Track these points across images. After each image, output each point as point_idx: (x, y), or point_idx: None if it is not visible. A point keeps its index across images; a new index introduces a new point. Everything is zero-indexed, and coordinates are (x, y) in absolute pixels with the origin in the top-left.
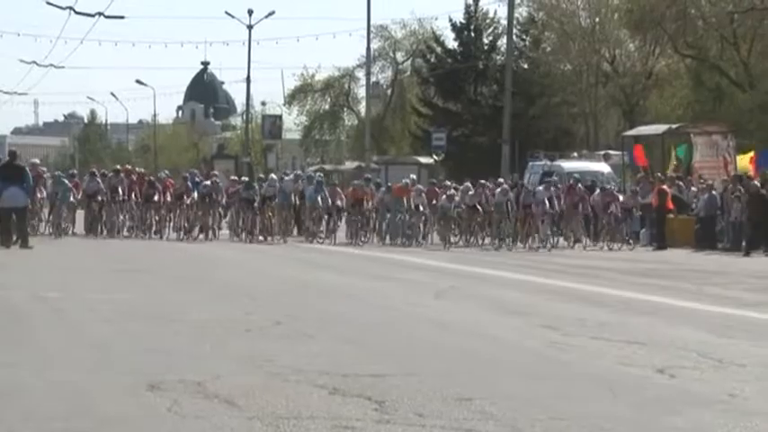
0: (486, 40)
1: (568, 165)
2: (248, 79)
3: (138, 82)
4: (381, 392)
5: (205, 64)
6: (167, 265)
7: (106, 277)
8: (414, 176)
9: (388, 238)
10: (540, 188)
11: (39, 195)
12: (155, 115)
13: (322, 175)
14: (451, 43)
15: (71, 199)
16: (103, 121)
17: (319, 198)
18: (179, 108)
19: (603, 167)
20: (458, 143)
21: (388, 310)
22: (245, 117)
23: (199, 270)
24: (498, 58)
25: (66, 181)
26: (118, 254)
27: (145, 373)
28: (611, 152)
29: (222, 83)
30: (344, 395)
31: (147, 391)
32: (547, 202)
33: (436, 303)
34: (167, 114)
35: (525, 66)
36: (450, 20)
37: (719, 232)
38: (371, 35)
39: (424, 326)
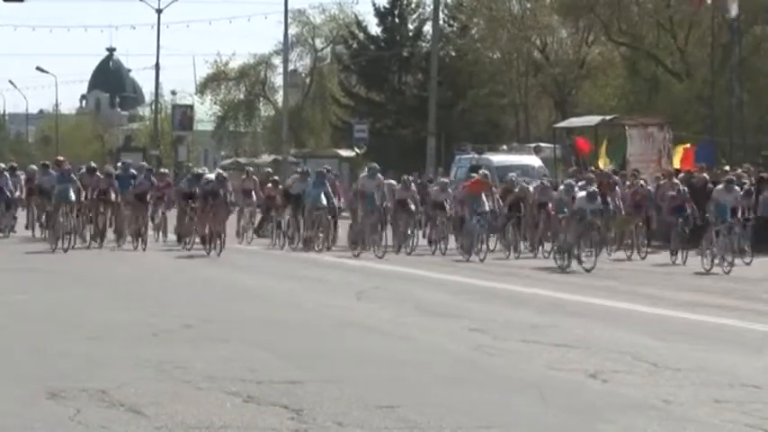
0: (411, 26)
1: (497, 158)
2: (157, 66)
3: (39, 69)
4: (299, 400)
5: (111, 50)
6: (67, 262)
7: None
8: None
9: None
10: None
11: None
12: (56, 105)
13: (328, 167)
14: (374, 29)
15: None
16: (1, 111)
17: (323, 196)
18: (83, 97)
19: (534, 161)
20: (381, 135)
21: (306, 312)
22: (153, 107)
23: (100, 269)
24: (424, 45)
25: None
26: (18, 253)
27: (44, 380)
28: (542, 145)
29: (129, 70)
30: (259, 403)
31: (48, 399)
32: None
33: (359, 305)
34: (70, 104)
35: (452, 53)
36: (374, 4)
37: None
38: (289, 20)
39: (345, 329)
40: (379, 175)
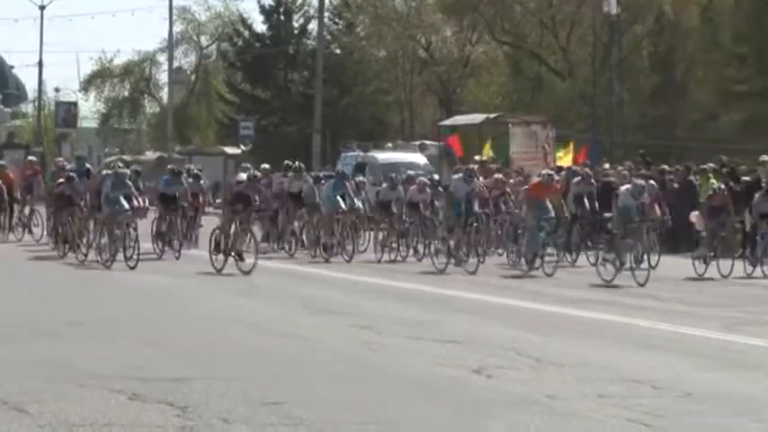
0: (296, 24)
1: (383, 156)
2: (40, 63)
3: None
4: (184, 397)
5: None
6: None
7: None
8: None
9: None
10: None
11: None
12: None
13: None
14: (260, 27)
15: None
16: None
17: (340, 198)
18: None
19: (419, 158)
20: (266, 132)
21: (192, 310)
22: (36, 104)
23: None
24: (309, 42)
25: None
26: None
27: None
28: (426, 142)
29: (12, 67)
30: (145, 401)
31: None
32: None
33: (246, 303)
34: None
35: (338, 51)
36: (259, 2)
37: None
38: (174, 17)
39: (232, 326)
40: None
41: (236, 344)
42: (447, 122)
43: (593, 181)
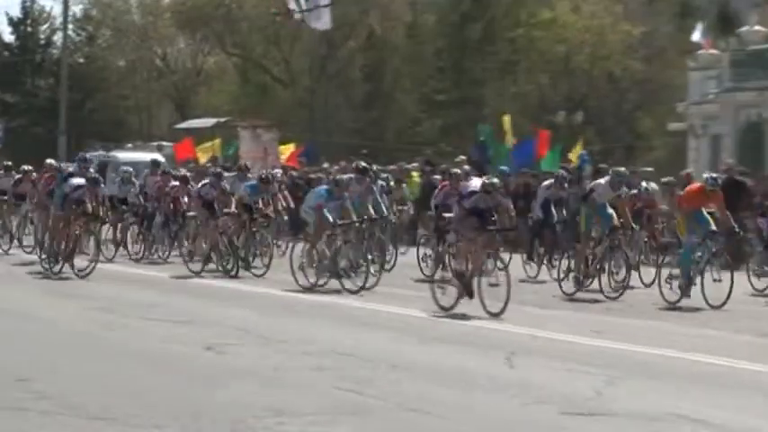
0: (42, 35)
1: (123, 155)
2: None
3: None
4: None
5: None
6: None
7: None
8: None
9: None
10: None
11: None
12: None
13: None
14: (8, 37)
15: None
16: None
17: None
18: None
19: (157, 158)
20: (15, 134)
21: None
22: None
23: None
24: (55, 52)
25: None
26: None
27: None
28: (163, 143)
29: None
30: None
31: None
32: None
33: None
34: None
35: (81, 60)
36: (7, 14)
37: None
38: None
39: None
40: None
41: None
42: (182, 125)
43: (565, 185)
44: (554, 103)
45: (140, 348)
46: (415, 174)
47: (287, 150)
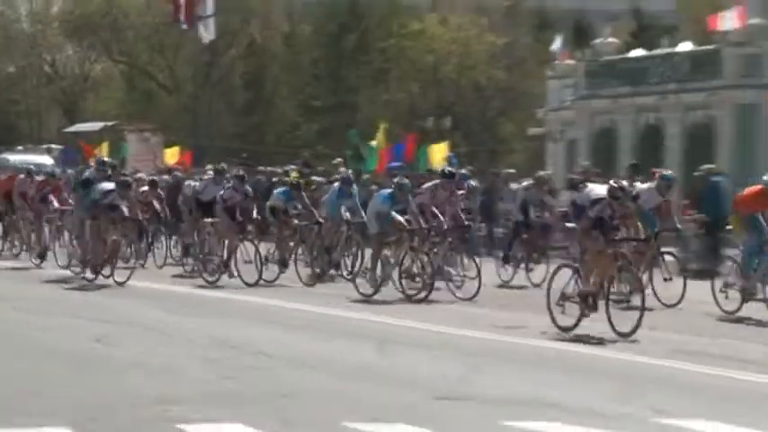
0: None
1: (14, 157)
2: None
3: None
4: None
5: None
6: None
7: None
8: None
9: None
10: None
11: None
12: None
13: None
14: None
15: None
16: None
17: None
18: None
19: (47, 160)
20: None
21: None
22: None
23: None
24: None
25: None
26: None
27: None
28: (52, 146)
29: None
30: None
31: None
32: None
33: None
34: None
35: None
36: None
37: None
38: None
39: None
40: None
41: None
42: (70, 129)
43: (545, 188)
44: (423, 110)
45: (22, 340)
46: (294, 175)
47: (173, 154)
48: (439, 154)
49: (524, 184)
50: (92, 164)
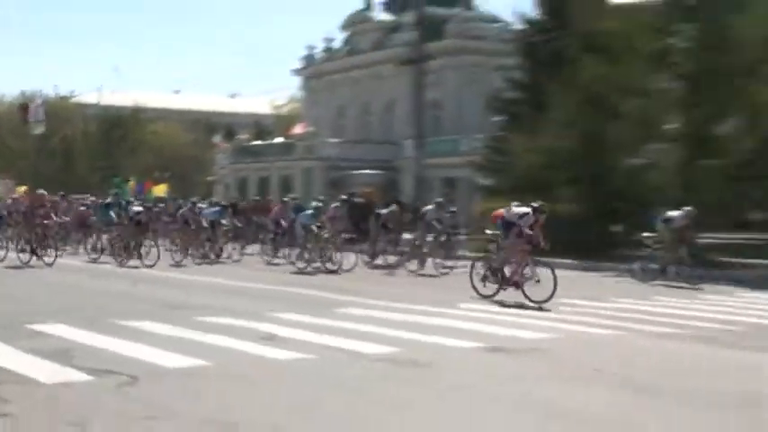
0: None
1: None
2: None
3: None
4: None
5: None
6: None
7: None
8: None
9: None
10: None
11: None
12: None
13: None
14: None
15: None
16: None
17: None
18: None
19: None
20: None
21: None
22: None
23: None
24: None
25: None
26: None
27: None
28: None
29: None
30: None
31: None
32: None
33: None
34: None
35: None
36: None
37: None
38: None
39: None
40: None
41: None
42: None
43: (445, 208)
44: (156, 169)
45: None
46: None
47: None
48: (160, 191)
49: (429, 207)
50: None
